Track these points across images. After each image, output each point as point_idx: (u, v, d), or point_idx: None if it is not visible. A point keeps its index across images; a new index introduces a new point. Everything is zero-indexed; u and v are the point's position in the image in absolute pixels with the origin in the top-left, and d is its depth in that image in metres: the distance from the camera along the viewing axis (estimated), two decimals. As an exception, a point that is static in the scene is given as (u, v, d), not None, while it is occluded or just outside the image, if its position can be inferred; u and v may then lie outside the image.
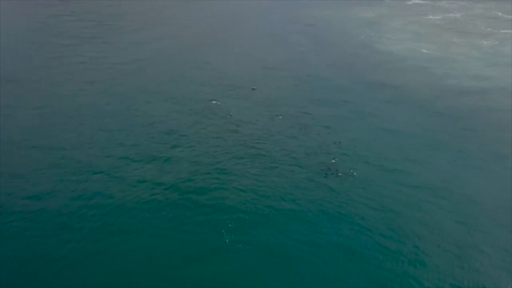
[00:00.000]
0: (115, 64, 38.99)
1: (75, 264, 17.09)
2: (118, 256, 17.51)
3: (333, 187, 22.52)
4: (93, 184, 21.92)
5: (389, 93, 35.29)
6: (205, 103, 31.77)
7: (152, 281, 16.47)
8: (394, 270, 17.25)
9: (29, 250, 17.79)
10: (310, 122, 29.70)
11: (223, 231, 18.65)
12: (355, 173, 23.49)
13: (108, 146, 25.55)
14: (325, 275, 17.16)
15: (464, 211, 20.88)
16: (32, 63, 38.50)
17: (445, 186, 22.62)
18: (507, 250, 18.51)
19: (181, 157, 24.70)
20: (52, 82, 34.61)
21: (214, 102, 31.74)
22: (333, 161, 24.62)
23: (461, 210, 20.98)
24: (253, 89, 34.12)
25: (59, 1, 64.20)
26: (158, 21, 55.75)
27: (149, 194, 21.36)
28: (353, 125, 29.79)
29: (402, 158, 25.63)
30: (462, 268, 17.56)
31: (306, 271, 17.35)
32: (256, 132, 27.89)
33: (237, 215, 19.91)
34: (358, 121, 30.48)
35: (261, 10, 64.28)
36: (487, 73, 40.21)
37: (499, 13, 63.80)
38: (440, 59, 43.90)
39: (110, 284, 16.29)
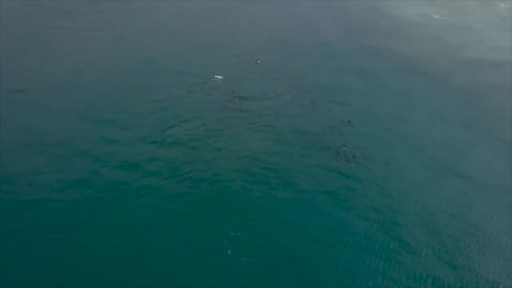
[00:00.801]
0: (112, 33, 35.30)
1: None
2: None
3: (345, 173, 20.69)
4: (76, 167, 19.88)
5: (402, 64, 32.79)
6: (206, 77, 28.76)
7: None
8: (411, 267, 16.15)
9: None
10: (319, 95, 27.35)
11: (223, 240, 16.63)
12: (367, 156, 21.68)
13: (98, 123, 23.28)
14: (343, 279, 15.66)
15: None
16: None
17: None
18: None
19: (177, 142, 22.26)
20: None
21: (216, 76, 28.63)
22: (345, 148, 22.43)
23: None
24: (257, 61, 31.32)
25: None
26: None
27: (138, 186, 19.04)
28: (366, 99, 27.61)
29: (420, 137, 23.96)
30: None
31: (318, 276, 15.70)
32: (261, 111, 25.37)
33: (243, 214, 17.93)
34: (372, 95, 28.25)
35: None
36: (506, 43, 37.45)
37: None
38: (454, 26, 40.97)
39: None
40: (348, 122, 24.17)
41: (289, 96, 27.13)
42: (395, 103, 27.37)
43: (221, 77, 28.41)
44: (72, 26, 35.27)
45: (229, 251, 16.01)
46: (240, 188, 19.28)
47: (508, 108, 27.05)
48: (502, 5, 46.99)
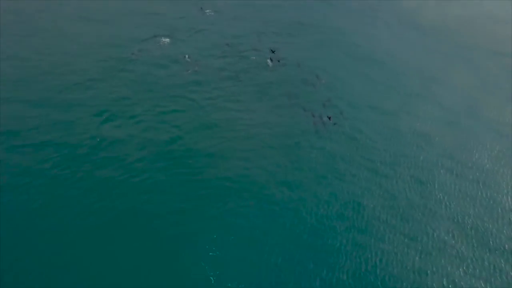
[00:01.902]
0: None
1: None
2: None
3: (330, 148, 17.70)
4: None
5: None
6: (147, 42, 24.06)
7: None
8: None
9: None
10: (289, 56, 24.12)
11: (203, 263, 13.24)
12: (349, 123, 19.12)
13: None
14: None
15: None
16: None
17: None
18: None
19: (120, 135, 17.84)
20: None
21: (163, 39, 24.22)
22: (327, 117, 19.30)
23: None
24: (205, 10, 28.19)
25: None
26: None
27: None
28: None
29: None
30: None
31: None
32: (221, 78, 21.57)
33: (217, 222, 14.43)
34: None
35: None
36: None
37: None
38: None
39: None
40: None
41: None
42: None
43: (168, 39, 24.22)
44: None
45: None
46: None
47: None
48: None
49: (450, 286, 13.23)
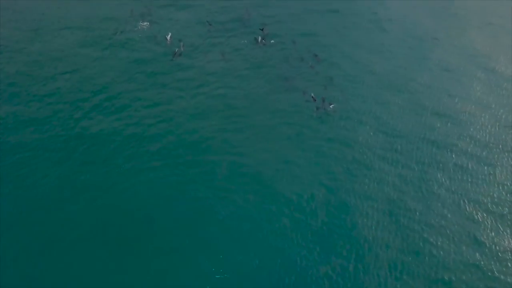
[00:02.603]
0: None
1: None
2: None
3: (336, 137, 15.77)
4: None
5: None
6: (125, 23, 21.35)
7: None
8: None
9: None
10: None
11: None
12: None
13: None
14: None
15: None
16: None
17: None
18: None
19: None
20: None
21: (142, 23, 21.50)
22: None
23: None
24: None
25: None
26: None
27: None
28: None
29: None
30: None
31: None
32: (209, 61, 19.19)
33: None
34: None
35: None
36: None
37: None
38: None
39: None
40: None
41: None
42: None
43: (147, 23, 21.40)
44: None
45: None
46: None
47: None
48: None
49: None
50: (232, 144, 15.27)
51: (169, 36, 20.12)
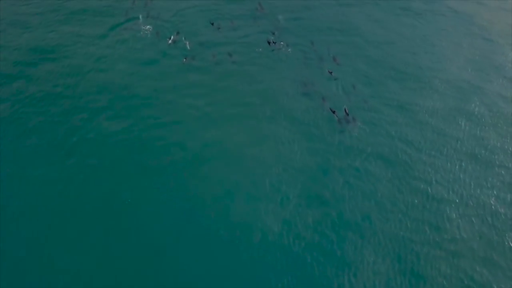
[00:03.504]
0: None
1: None
2: None
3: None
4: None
5: None
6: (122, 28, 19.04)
7: None
8: None
9: None
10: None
11: None
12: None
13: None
14: None
15: None
16: None
17: None
18: None
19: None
20: None
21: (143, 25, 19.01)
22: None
23: None
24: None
25: None
26: None
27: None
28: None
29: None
30: None
31: None
32: (221, 73, 17.06)
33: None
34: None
35: None
36: None
37: None
38: None
39: None
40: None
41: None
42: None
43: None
44: None
45: None
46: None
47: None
48: None
49: None
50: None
51: (172, 37, 18.15)
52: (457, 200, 13.08)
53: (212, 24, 18.91)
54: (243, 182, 13.05)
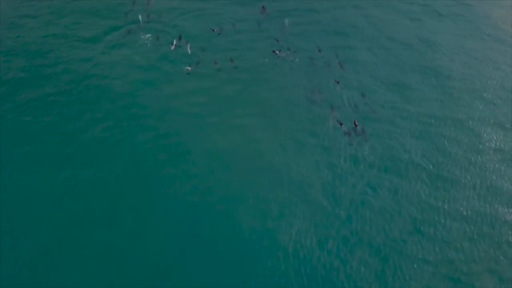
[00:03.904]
0: None
1: None
2: None
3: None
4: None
5: None
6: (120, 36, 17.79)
7: None
8: None
9: None
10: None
11: None
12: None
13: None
14: None
15: None
16: None
17: None
18: None
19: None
20: None
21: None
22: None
23: None
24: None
25: None
26: None
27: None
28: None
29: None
30: None
31: None
32: (224, 80, 16.15)
33: None
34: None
35: None
36: None
37: None
38: None
39: None
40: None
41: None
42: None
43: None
44: None
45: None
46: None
47: None
48: None
49: None
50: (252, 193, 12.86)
51: (174, 42, 17.24)
52: (475, 217, 12.39)
53: (213, 30, 18.06)
54: (249, 196, 12.34)
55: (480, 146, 14.32)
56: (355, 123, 14.47)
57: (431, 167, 13.48)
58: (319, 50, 17.38)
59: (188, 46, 17.08)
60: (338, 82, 16.04)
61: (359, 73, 16.82)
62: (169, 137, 13.79)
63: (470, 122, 15.16)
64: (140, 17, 18.45)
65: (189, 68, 16.17)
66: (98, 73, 15.78)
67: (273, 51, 17.06)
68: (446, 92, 16.29)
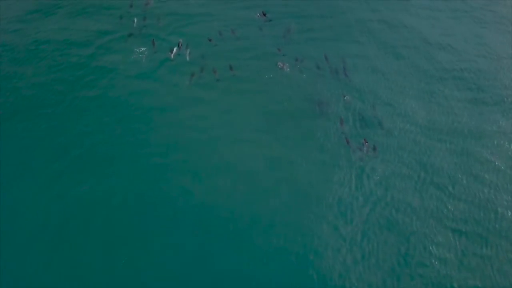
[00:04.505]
0: None
1: None
2: None
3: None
4: None
5: None
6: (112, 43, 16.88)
7: None
8: None
9: None
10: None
11: None
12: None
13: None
14: None
15: None
16: None
17: None
18: None
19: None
20: None
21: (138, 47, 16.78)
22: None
23: None
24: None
25: None
26: None
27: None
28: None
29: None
30: None
31: None
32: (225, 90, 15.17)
33: None
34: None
35: None
36: None
37: None
38: None
39: None
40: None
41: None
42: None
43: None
44: None
45: None
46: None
47: None
48: None
49: None
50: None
51: (174, 49, 16.23)
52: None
53: (210, 40, 17.06)
54: (259, 213, 11.50)
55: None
56: (364, 141, 13.66)
57: (450, 188, 12.68)
58: (326, 59, 16.53)
59: (188, 52, 16.17)
60: (345, 97, 15.21)
61: (369, 83, 16.01)
62: (169, 153, 12.84)
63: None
64: (135, 21, 17.48)
65: (192, 76, 15.22)
66: (91, 83, 14.76)
67: (277, 64, 16.17)
68: (474, 106, 15.38)
